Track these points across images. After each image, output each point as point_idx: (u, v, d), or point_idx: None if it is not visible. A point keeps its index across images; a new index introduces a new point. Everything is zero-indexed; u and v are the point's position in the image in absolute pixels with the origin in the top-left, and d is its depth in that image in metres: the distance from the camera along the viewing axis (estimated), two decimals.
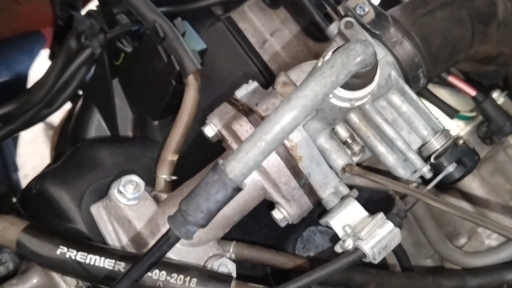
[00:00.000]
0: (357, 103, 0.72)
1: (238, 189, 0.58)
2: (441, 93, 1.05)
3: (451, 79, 1.00)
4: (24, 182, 1.45)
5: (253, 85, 0.84)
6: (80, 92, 1.14)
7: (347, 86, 0.69)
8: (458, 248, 1.00)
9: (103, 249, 0.76)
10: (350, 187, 0.83)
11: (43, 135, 1.97)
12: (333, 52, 0.66)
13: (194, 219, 0.58)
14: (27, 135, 1.79)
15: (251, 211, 0.84)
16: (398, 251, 1.03)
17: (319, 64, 0.73)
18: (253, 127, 0.79)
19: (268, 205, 0.84)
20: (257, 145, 0.57)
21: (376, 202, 1.00)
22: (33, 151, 1.85)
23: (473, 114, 1.04)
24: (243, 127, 0.79)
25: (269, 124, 0.57)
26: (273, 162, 0.78)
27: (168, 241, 0.60)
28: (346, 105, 0.72)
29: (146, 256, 0.61)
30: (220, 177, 0.57)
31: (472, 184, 1.01)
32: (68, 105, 1.17)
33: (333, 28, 0.89)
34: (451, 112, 1.03)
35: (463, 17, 0.88)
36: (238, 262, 0.83)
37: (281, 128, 0.57)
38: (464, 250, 1.00)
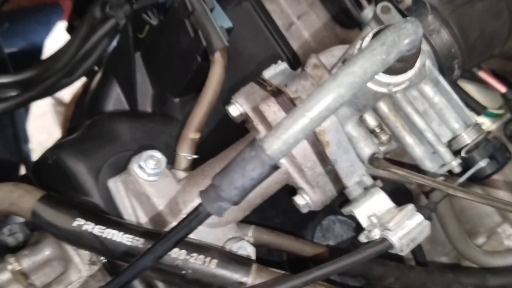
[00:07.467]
0: (394, 89, 0.70)
1: (275, 167, 0.56)
2: (469, 88, 1.03)
3: (482, 74, 0.97)
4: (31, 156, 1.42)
5: (282, 65, 0.82)
6: (96, 68, 1.12)
7: (388, 69, 0.66)
8: (478, 247, 0.98)
9: (122, 224, 0.74)
10: (373, 177, 0.81)
11: (51, 110, 1.95)
12: (377, 32, 0.63)
13: (228, 195, 0.56)
14: (35, 110, 1.76)
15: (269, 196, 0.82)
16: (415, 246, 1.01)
17: (357, 46, 0.70)
18: (281, 108, 0.76)
19: (289, 191, 0.82)
20: (298, 121, 0.54)
21: (393, 195, 0.98)
22: (40, 127, 1.82)
23: (501, 111, 1.02)
24: (271, 108, 0.76)
25: (313, 100, 0.54)
26: (300, 146, 0.75)
27: (198, 216, 0.57)
28: (383, 90, 0.69)
29: (173, 232, 0.58)
30: (258, 153, 0.55)
31: (495, 182, 0.99)
32: (81, 80, 1.14)
33: (367, 13, 0.86)
34: (479, 109, 1.01)
35: (502, 10, 0.86)
36: (255, 246, 0.81)
37: (326, 105, 0.54)
38: (483, 250, 0.98)
